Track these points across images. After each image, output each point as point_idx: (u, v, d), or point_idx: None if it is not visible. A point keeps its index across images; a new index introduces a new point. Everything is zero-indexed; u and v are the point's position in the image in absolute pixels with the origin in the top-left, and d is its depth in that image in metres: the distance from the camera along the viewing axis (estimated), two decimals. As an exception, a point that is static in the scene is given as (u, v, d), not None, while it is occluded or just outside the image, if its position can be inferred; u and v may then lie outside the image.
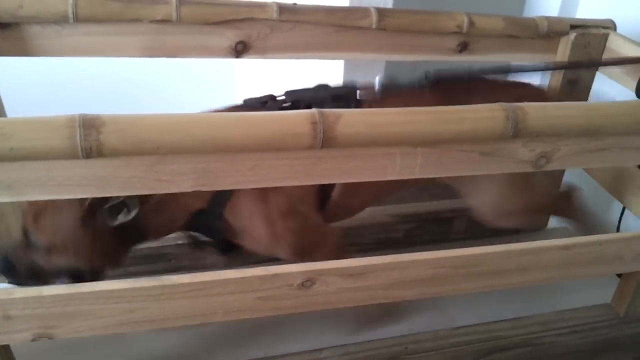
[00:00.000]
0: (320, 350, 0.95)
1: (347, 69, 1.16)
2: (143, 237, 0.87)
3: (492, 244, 0.82)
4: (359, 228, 1.22)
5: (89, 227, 0.78)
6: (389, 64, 1.19)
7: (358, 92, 0.88)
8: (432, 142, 0.65)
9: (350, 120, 0.60)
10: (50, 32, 0.86)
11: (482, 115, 0.65)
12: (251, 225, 0.87)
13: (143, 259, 1.15)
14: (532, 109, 0.66)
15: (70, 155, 0.53)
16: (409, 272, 0.78)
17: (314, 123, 0.59)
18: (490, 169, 0.70)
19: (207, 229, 0.89)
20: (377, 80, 0.88)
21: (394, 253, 0.79)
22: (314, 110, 0.60)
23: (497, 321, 1.05)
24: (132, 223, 0.78)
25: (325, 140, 0.60)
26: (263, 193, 0.86)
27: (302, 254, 0.88)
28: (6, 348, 0.76)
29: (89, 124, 0.53)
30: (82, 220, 0.78)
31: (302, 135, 0.59)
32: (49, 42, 0.87)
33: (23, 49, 0.86)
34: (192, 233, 0.92)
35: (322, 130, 0.59)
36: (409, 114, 0.63)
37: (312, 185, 0.89)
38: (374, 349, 0.96)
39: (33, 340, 0.69)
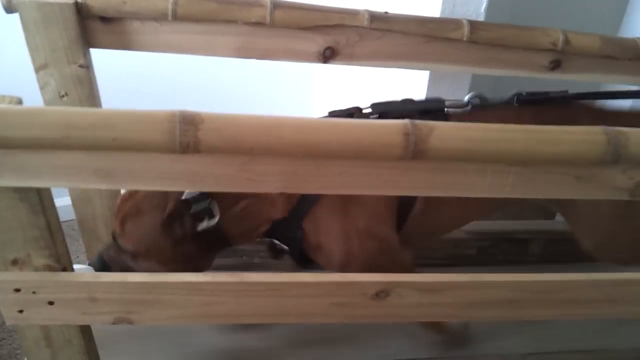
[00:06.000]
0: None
1: (432, 80, 1.14)
2: (224, 244, 0.87)
3: (570, 270, 0.77)
4: (430, 242, 1.20)
5: (172, 234, 0.80)
6: (475, 77, 1.17)
7: (446, 106, 0.87)
8: (526, 162, 0.63)
9: (443, 133, 0.59)
10: (149, 28, 0.89)
11: (582, 137, 0.62)
12: (327, 240, 0.87)
13: (215, 253, 1.17)
14: (634, 134, 0.63)
15: (167, 149, 0.55)
16: (487, 292, 0.76)
17: (406, 134, 0.58)
18: (583, 194, 0.67)
19: (287, 238, 0.89)
20: (466, 97, 0.86)
21: (466, 271, 0.76)
22: (406, 120, 0.59)
23: (569, 351, 1.00)
24: (214, 229, 0.80)
25: (416, 152, 0.59)
26: (344, 208, 0.85)
27: None
28: (87, 328, 0.79)
29: (189, 120, 0.54)
30: (165, 226, 0.79)
31: (393, 145, 0.58)
32: (146, 38, 0.90)
33: (123, 43, 0.90)
34: (272, 240, 0.93)
35: (414, 142, 0.58)
36: (505, 131, 0.61)
37: (393, 204, 0.88)
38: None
39: (114, 323, 0.71)
